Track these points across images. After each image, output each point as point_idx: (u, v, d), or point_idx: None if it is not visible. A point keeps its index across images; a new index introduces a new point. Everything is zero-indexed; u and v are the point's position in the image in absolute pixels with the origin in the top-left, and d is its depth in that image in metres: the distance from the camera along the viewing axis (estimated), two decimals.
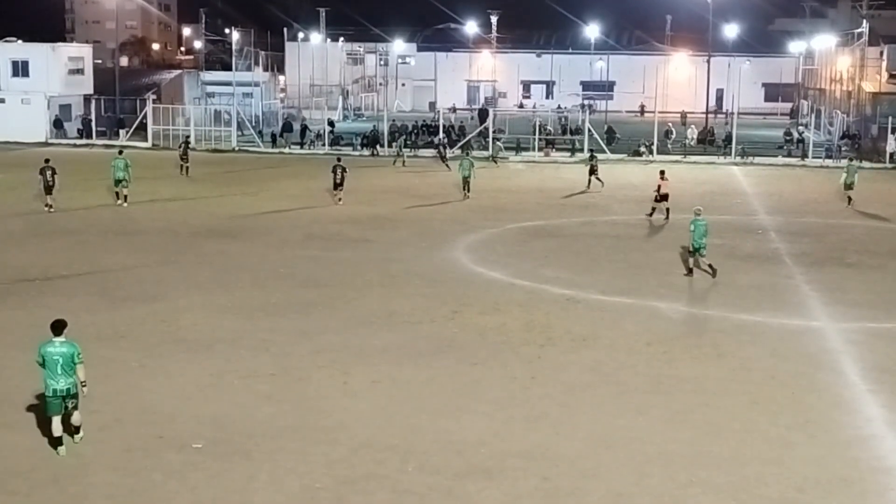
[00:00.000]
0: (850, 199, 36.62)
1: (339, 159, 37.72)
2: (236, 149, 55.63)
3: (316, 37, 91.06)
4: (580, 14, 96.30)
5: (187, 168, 43.90)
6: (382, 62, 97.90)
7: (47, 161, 33.83)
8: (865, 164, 51.76)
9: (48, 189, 33.21)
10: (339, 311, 20.82)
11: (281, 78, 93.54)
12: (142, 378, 16.26)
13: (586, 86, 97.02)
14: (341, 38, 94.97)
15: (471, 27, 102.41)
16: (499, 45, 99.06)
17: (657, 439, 13.86)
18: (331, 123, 60.91)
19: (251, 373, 16.54)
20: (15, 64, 60.25)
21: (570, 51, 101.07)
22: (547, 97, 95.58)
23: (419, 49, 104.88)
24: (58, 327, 13.36)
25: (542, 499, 12.08)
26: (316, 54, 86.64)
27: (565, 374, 16.76)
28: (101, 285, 22.75)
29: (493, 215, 34.11)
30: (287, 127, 61.72)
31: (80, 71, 62.93)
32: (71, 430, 13.41)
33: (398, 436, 13.83)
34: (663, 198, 32.53)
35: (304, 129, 59.56)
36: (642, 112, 75.15)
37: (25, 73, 60.01)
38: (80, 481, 12.28)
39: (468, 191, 37.52)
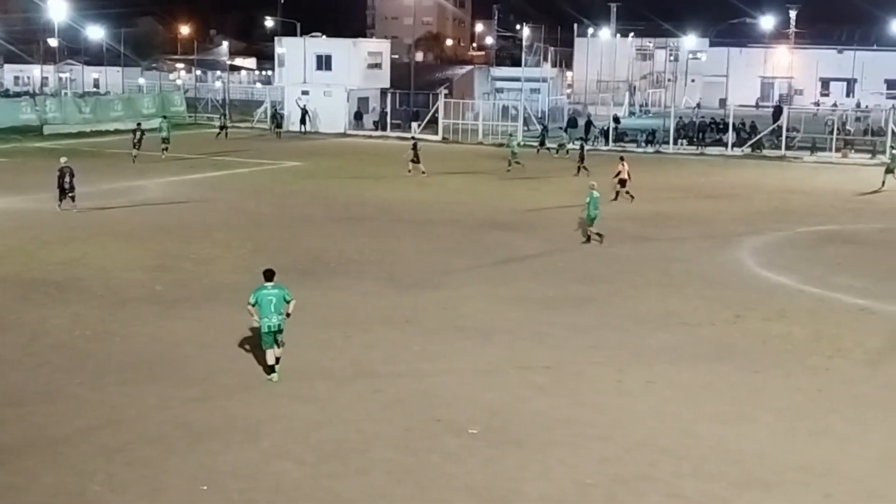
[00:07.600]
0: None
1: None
2: (521, 144, 56.25)
3: (605, 32, 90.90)
4: (888, 7, 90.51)
5: (135, 157, 43.17)
6: (672, 58, 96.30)
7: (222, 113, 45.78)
8: None
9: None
10: (616, 308, 20.69)
11: (568, 74, 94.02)
12: (423, 362, 16.85)
13: (891, 84, 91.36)
14: (631, 34, 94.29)
15: (767, 22, 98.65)
16: (797, 41, 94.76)
17: None
18: (616, 119, 60.53)
19: (527, 364, 16.76)
20: (319, 58, 63.48)
21: (875, 47, 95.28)
22: (847, 95, 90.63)
23: (711, 44, 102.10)
24: (269, 275, 15.64)
25: None
26: (605, 50, 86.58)
27: (855, 389, 15.85)
28: (389, 270, 23.75)
29: (782, 217, 32.74)
30: (572, 123, 61.92)
31: (378, 65, 65.50)
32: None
33: (673, 439, 13.58)
34: (622, 183, 34.27)
35: (589, 124, 59.57)
36: None
37: (328, 67, 63.16)
38: (363, 456, 12.88)
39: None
